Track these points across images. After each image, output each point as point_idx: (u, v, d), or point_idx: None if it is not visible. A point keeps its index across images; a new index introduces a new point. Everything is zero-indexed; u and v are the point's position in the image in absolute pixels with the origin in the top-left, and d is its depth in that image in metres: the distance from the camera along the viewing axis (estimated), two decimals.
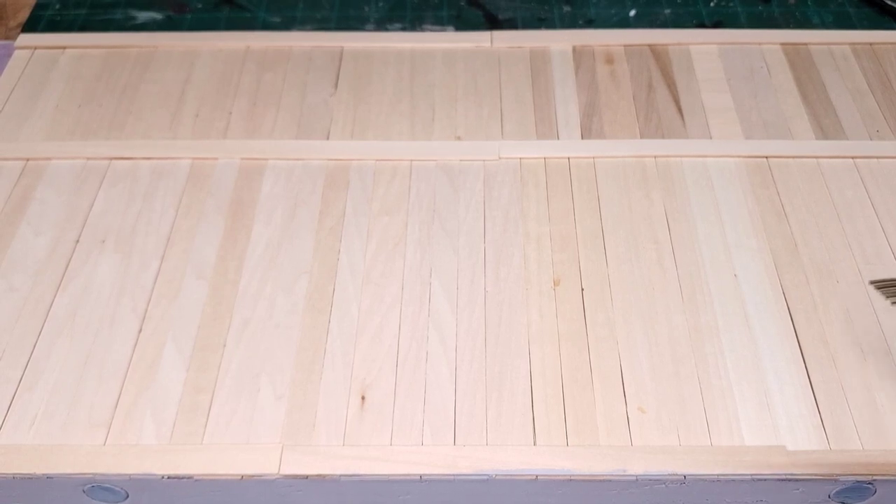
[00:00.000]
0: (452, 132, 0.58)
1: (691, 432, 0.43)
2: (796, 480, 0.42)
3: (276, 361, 0.46)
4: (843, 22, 0.67)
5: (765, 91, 0.61)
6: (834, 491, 0.42)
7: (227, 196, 0.54)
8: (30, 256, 0.51)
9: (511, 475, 0.42)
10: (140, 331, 0.47)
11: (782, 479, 0.42)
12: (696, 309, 0.48)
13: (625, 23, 0.67)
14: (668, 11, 0.68)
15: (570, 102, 0.59)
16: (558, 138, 0.57)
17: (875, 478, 0.41)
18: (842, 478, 0.41)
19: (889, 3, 0.67)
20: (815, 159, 0.56)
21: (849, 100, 0.60)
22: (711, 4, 0.69)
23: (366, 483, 0.42)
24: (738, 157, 0.56)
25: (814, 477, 0.41)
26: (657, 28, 0.66)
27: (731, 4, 0.69)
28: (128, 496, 0.43)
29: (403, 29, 0.67)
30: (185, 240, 0.52)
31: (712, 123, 0.58)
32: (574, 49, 0.64)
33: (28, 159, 0.57)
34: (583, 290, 0.49)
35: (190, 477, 0.42)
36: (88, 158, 0.56)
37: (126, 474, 0.42)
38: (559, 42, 0.65)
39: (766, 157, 0.56)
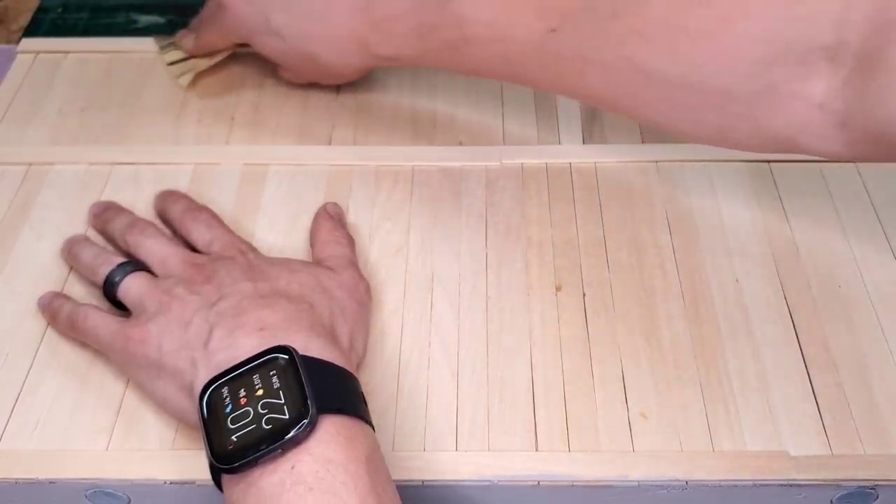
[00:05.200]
0: (454, 137, 0.58)
1: (693, 438, 0.43)
2: (799, 486, 0.42)
3: None
4: None
5: None
6: (836, 496, 0.42)
7: (229, 201, 0.54)
8: (33, 260, 0.51)
9: (513, 481, 0.42)
10: None
11: (784, 485, 0.42)
12: (697, 314, 0.48)
13: None
14: None
15: (572, 107, 0.59)
16: (560, 143, 0.57)
17: (878, 483, 0.41)
18: (844, 483, 0.41)
19: None
20: (816, 163, 0.56)
21: None
22: None
23: None
24: (740, 161, 0.56)
25: (816, 482, 0.41)
26: None
27: None
28: (130, 501, 0.43)
29: None
30: None
31: None
32: None
33: (31, 164, 0.57)
34: (584, 295, 0.49)
35: (192, 482, 0.42)
36: (91, 164, 0.57)
37: (128, 480, 0.42)
38: None
39: (768, 162, 0.56)
